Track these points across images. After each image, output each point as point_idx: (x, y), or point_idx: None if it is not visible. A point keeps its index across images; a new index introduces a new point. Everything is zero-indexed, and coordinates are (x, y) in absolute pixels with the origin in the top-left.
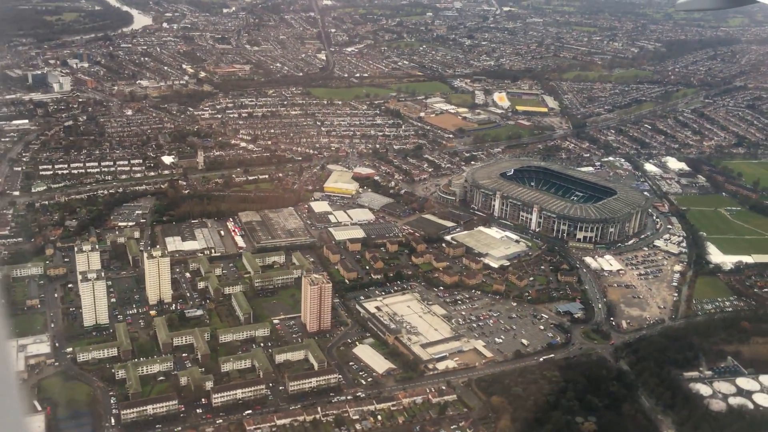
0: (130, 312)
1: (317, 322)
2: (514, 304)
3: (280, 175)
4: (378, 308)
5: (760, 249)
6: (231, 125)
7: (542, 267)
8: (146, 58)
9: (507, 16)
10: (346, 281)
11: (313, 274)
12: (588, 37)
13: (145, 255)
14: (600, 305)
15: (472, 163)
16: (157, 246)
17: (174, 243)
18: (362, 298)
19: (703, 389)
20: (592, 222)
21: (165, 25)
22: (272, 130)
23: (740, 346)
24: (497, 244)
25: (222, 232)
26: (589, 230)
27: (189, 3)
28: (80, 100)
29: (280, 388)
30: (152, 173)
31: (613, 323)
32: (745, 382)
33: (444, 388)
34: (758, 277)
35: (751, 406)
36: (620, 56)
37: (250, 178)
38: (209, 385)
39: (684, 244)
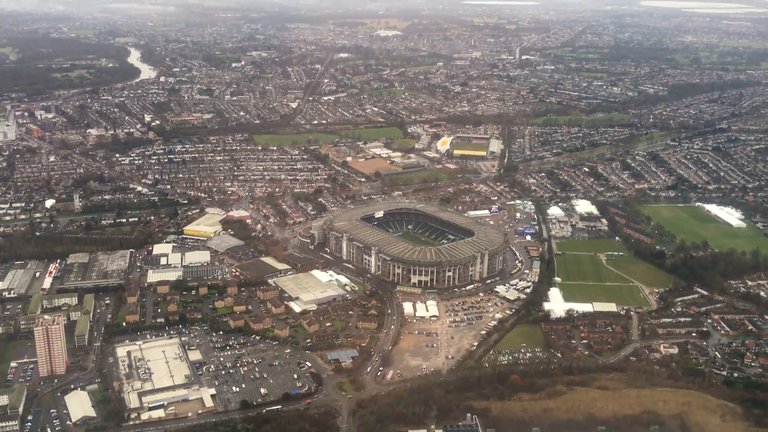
0: None
1: (48, 366)
2: (288, 350)
3: (152, 218)
4: (128, 353)
5: (613, 297)
6: (144, 170)
7: (350, 312)
8: (115, 109)
9: (519, 64)
10: (124, 324)
11: (45, 316)
12: (588, 83)
13: None
14: (380, 354)
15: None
16: None
17: None
18: (127, 341)
19: None
20: (426, 265)
21: (162, 78)
22: (180, 175)
23: (497, 402)
24: (315, 288)
25: (38, 274)
26: (424, 274)
27: (204, 59)
28: (14, 147)
29: None
30: (23, 216)
31: (379, 374)
32: None
33: None
34: (588, 327)
35: None
36: (611, 100)
37: (120, 220)
38: None
39: (528, 290)
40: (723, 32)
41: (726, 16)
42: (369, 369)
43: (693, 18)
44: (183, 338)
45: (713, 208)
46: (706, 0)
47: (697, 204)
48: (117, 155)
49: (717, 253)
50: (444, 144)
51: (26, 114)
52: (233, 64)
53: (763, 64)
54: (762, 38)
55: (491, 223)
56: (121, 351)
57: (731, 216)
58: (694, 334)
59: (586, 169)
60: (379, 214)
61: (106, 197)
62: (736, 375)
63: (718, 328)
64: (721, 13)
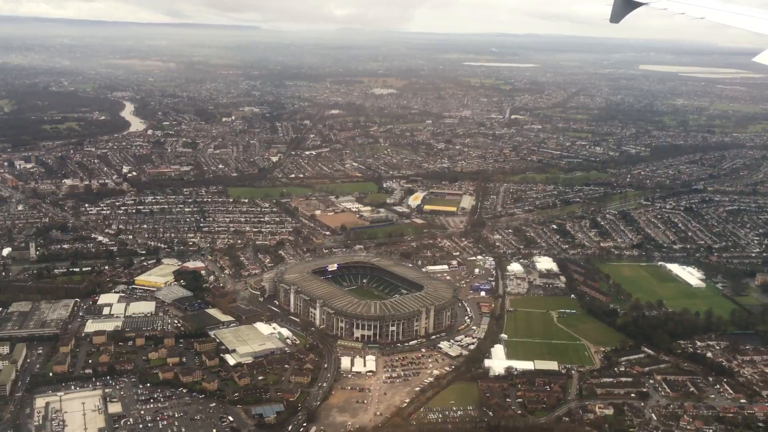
0: None
1: None
2: (213, 404)
3: (106, 267)
4: (47, 404)
5: (557, 355)
6: (110, 220)
7: (286, 366)
8: (96, 160)
9: (507, 123)
10: (50, 374)
11: None
12: (572, 142)
13: None
14: (307, 409)
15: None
16: None
17: None
18: (49, 392)
19: None
20: (368, 319)
21: (149, 131)
22: (145, 225)
23: None
24: (254, 341)
25: None
26: (367, 328)
27: (196, 113)
28: None
29: None
30: None
31: (302, 430)
32: None
33: None
34: (526, 385)
35: None
36: (592, 159)
37: (73, 269)
38: None
39: (472, 347)
40: (715, 96)
41: (721, 81)
42: (291, 425)
43: (688, 82)
44: (107, 390)
45: (675, 268)
46: (704, 65)
47: (660, 263)
48: (86, 205)
49: (669, 313)
50: (416, 199)
51: (5, 164)
52: (223, 119)
53: (750, 127)
54: (753, 102)
55: (448, 278)
56: (40, 402)
57: (691, 276)
58: (633, 395)
59: (554, 226)
60: (333, 267)
61: (65, 246)
62: None
63: (659, 389)
64: (717, 78)
